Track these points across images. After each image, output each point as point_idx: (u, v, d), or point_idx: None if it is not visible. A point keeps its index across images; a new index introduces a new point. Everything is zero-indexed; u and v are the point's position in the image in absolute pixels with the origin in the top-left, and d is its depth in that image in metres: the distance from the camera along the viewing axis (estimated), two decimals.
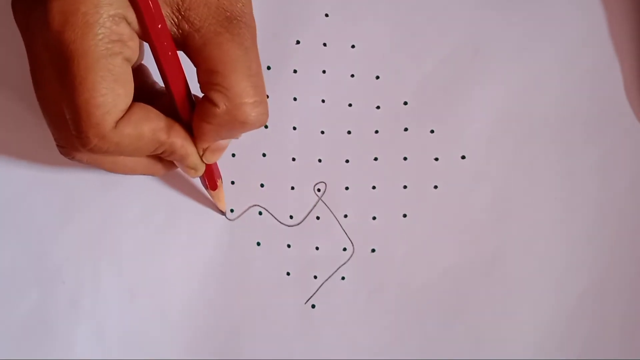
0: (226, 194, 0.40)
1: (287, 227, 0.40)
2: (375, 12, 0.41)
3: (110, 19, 0.30)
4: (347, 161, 0.41)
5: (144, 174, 0.37)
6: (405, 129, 0.41)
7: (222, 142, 0.36)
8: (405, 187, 0.41)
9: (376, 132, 0.41)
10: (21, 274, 0.40)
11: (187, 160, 0.35)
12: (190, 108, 0.34)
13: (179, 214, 0.40)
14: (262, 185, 0.40)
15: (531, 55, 0.41)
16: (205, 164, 0.36)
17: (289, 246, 0.40)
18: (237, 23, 0.32)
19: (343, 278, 0.40)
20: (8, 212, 0.40)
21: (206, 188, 0.39)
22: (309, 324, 0.40)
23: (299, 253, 0.40)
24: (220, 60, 0.32)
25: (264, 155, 0.40)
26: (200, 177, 0.38)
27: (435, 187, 0.41)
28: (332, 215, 0.41)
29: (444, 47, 0.41)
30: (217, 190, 0.39)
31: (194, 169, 0.36)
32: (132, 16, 0.31)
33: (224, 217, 0.40)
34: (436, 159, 0.41)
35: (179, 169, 0.38)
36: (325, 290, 0.40)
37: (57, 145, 0.35)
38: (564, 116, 0.41)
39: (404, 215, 0.40)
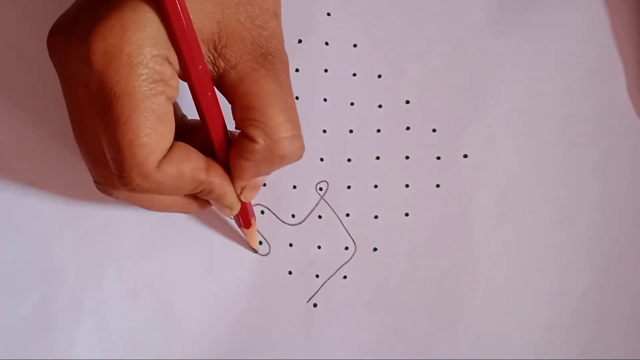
0: None
1: (289, 225, 0.40)
2: (377, 11, 0.41)
3: (154, 59, 0.30)
4: (349, 160, 0.41)
5: (179, 212, 0.37)
6: (407, 128, 0.41)
7: (259, 179, 0.36)
8: (407, 186, 0.41)
9: (378, 130, 0.41)
10: (23, 274, 0.40)
11: (224, 199, 0.35)
12: (227, 146, 0.34)
13: (180, 213, 0.40)
14: (264, 184, 0.40)
15: (533, 54, 0.41)
16: (241, 202, 0.36)
17: (290, 245, 0.40)
18: (272, 59, 0.33)
19: (345, 277, 0.40)
20: (10, 211, 0.40)
21: (239, 226, 0.39)
22: (311, 323, 0.40)
23: (301, 252, 0.40)
24: (257, 95, 0.32)
25: None
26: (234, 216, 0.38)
27: (438, 185, 0.40)
28: (334, 214, 0.41)
29: (446, 46, 0.41)
30: (250, 228, 0.39)
31: (230, 207, 0.36)
32: (173, 56, 0.31)
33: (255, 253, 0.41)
34: (438, 158, 0.41)
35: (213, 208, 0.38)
36: (327, 289, 0.40)
37: (95, 182, 0.35)
38: (566, 115, 0.41)
39: (406, 214, 0.40)
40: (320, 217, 0.40)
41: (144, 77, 0.30)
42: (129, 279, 0.40)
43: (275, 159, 0.33)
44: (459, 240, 0.40)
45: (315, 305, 0.40)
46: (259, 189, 0.36)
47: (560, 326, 0.40)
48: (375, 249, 0.40)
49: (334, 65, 0.41)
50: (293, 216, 0.40)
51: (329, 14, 0.41)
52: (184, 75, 0.32)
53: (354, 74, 0.41)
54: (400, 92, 0.41)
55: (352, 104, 0.41)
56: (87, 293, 0.40)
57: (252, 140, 0.33)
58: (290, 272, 0.40)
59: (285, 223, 0.40)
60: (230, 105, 0.33)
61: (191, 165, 0.33)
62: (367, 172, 0.40)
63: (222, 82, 0.33)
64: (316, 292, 0.40)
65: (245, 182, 0.35)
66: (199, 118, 0.34)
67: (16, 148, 0.40)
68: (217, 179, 0.34)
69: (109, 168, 0.32)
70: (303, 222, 0.40)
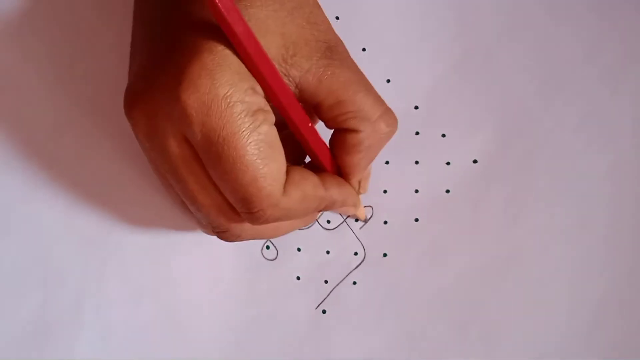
0: None
1: (298, 231, 0.40)
2: (386, 15, 0.41)
3: (246, 93, 0.30)
4: None
5: (299, 228, 0.38)
6: (417, 133, 0.41)
7: (369, 167, 0.37)
8: (417, 191, 0.40)
9: None
10: (25, 276, 0.40)
11: (347, 204, 0.36)
12: (329, 153, 0.35)
13: (185, 215, 0.40)
14: None
15: (542, 59, 0.41)
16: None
17: (299, 250, 0.40)
18: (336, 48, 0.33)
19: (354, 283, 0.40)
20: (12, 213, 0.40)
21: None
22: (320, 329, 0.40)
23: (310, 257, 0.40)
24: (341, 88, 0.33)
25: None
26: None
27: (447, 191, 0.40)
28: (343, 219, 0.40)
29: (455, 51, 0.41)
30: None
31: (355, 206, 0.37)
32: (257, 84, 0.31)
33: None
34: (448, 163, 0.40)
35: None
36: (336, 295, 0.40)
37: (217, 233, 0.34)
38: (577, 119, 0.40)
39: (416, 220, 0.40)
40: (329, 222, 0.40)
41: (244, 113, 0.30)
42: (132, 281, 0.40)
43: (382, 139, 0.35)
44: (469, 246, 0.40)
45: (324, 311, 0.40)
46: (370, 175, 0.38)
47: (574, 333, 0.40)
48: (385, 255, 0.40)
49: None
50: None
51: (337, 18, 0.41)
52: (269, 98, 0.32)
53: None
54: (410, 97, 0.41)
55: None
56: (89, 296, 0.40)
57: (355, 131, 0.34)
58: (298, 278, 0.40)
59: None
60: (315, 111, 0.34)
61: (310, 184, 0.33)
62: (376, 177, 0.40)
63: (302, 91, 0.33)
64: (325, 298, 0.40)
65: (361, 175, 0.36)
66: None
67: (17, 149, 0.40)
68: (335, 190, 0.35)
69: (230, 213, 0.32)
70: (312, 227, 0.40)
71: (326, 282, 0.40)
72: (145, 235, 0.40)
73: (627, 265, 0.40)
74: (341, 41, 0.34)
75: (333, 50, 0.33)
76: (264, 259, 0.40)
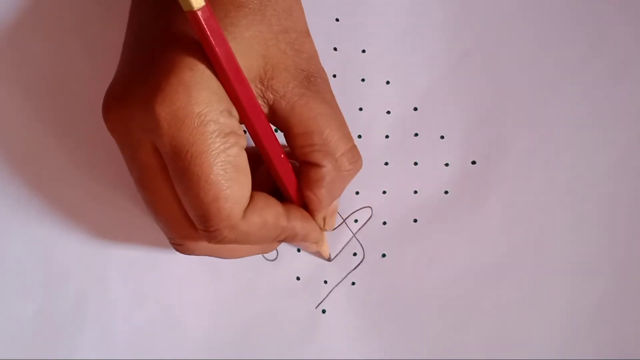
0: None
1: None
2: (386, 17, 0.41)
3: (222, 114, 0.30)
4: None
5: (258, 254, 0.38)
6: (416, 134, 0.41)
7: (335, 203, 0.36)
8: (415, 192, 0.40)
9: (386, 136, 0.41)
10: (27, 277, 0.40)
11: (309, 239, 0.36)
12: (298, 186, 0.35)
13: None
14: None
15: (541, 60, 0.41)
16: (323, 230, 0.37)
17: (298, 250, 0.40)
18: (315, 79, 0.33)
19: (353, 283, 0.40)
20: (14, 214, 0.40)
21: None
22: (319, 329, 0.40)
23: (309, 257, 0.40)
24: (311, 119, 0.33)
25: None
26: None
27: (446, 192, 0.40)
28: (342, 220, 0.40)
29: (454, 53, 0.41)
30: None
31: (317, 242, 0.37)
32: (234, 110, 0.31)
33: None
34: (446, 164, 0.40)
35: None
36: (335, 295, 0.40)
37: (173, 244, 0.35)
38: (576, 120, 0.40)
39: (415, 220, 0.40)
40: None
41: (215, 133, 0.30)
42: (134, 282, 0.40)
43: (344, 176, 0.34)
44: (468, 247, 0.40)
45: (324, 311, 0.40)
46: (336, 212, 0.38)
47: (572, 333, 0.40)
48: (383, 255, 0.40)
49: (343, 70, 0.41)
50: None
51: (337, 20, 0.41)
52: (244, 122, 0.32)
53: (363, 80, 0.41)
54: (409, 98, 0.41)
55: (360, 109, 0.41)
56: (90, 298, 0.40)
57: (318, 165, 0.34)
58: (298, 278, 0.40)
59: None
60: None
61: (273, 212, 0.33)
62: (375, 178, 0.40)
63: (274, 114, 0.33)
64: (325, 298, 0.40)
65: (325, 211, 0.36)
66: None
67: (19, 151, 0.40)
68: (298, 222, 0.34)
69: (188, 228, 0.32)
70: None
71: (325, 282, 0.40)
72: (145, 235, 0.40)
73: (626, 265, 0.40)
74: (323, 73, 0.34)
75: (311, 81, 0.33)
76: (264, 259, 0.40)
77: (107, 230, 0.40)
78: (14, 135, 0.40)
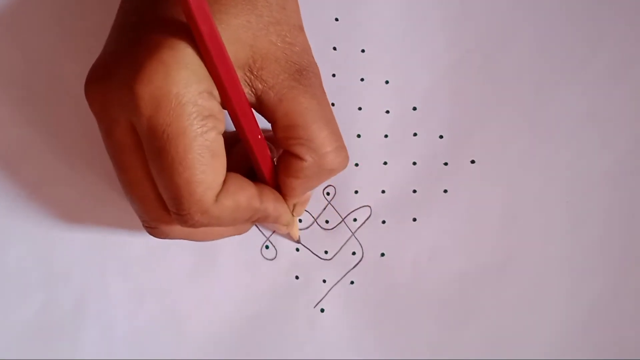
0: None
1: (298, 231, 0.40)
2: (385, 17, 0.41)
3: (201, 95, 0.30)
4: (356, 165, 0.40)
5: (232, 235, 0.37)
6: (415, 134, 0.41)
7: (308, 193, 0.36)
8: (414, 191, 0.41)
9: (385, 136, 0.41)
10: (27, 276, 0.40)
11: (280, 221, 0.36)
12: (273, 166, 0.35)
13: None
14: None
15: (541, 60, 0.41)
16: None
17: (297, 250, 0.40)
18: (307, 74, 0.33)
19: (352, 282, 0.40)
20: (14, 214, 0.40)
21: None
22: (318, 328, 0.40)
23: (308, 257, 0.40)
24: (298, 113, 0.32)
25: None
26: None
27: (445, 191, 0.40)
28: (341, 218, 0.40)
29: (454, 53, 0.41)
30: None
31: (286, 225, 0.37)
32: (215, 90, 0.31)
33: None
34: (445, 164, 0.41)
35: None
36: (334, 294, 0.40)
37: (146, 227, 0.35)
38: (575, 121, 0.40)
39: (414, 220, 0.40)
40: (327, 221, 0.40)
41: (194, 115, 0.30)
42: (134, 282, 0.40)
43: (324, 173, 0.34)
44: (467, 246, 0.40)
45: (322, 310, 0.40)
46: (308, 201, 0.38)
47: (570, 333, 0.40)
48: (382, 254, 0.40)
49: (342, 70, 0.41)
50: (300, 221, 0.40)
51: (336, 19, 0.41)
52: (224, 103, 0.32)
53: (362, 79, 0.41)
54: (408, 98, 0.41)
55: (359, 108, 0.41)
56: (91, 297, 0.40)
57: (299, 158, 0.33)
58: (297, 277, 0.40)
59: None
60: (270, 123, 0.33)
61: (246, 195, 0.33)
62: (374, 177, 0.40)
63: (261, 104, 0.33)
64: (323, 297, 0.40)
65: (297, 199, 0.36)
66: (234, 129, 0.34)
67: (20, 151, 0.40)
68: (270, 204, 0.34)
69: (161, 210, 0.32)
70: (310, 227, 0.40)
71: (324, 281, 0.40)
72: (145, 235, 0.40)
73: (625, 265, 0.40)
74: (316, 68, 0.34)
75: (303, 75, 0.33)
76: (263, 259, 0.40)
77: (107, 230, 0.40)
78: (14, 135, 0.40)
